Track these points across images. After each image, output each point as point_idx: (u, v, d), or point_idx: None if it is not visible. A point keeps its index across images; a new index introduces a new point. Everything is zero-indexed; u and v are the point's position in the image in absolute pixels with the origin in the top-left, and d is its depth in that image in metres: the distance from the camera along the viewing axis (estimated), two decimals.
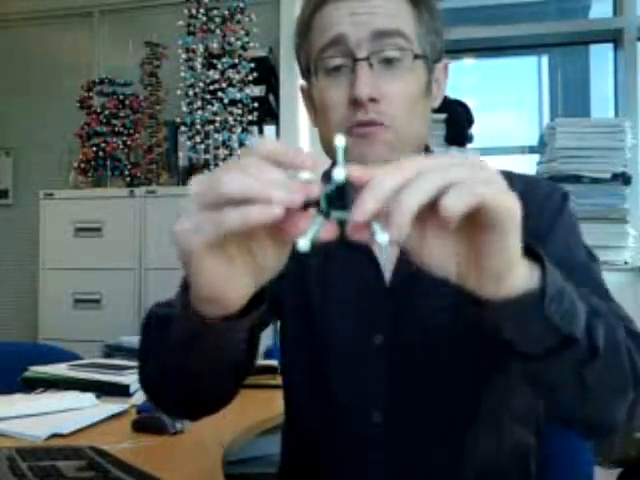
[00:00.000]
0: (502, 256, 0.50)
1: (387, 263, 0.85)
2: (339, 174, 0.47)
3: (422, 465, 0.83)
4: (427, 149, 0.90)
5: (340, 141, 0.49)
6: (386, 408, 0.83)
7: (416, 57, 0.81)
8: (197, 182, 0.50)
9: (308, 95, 0.88)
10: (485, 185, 0.47)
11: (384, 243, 0.47)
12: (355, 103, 0.78)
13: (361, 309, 0.85)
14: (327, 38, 0.80)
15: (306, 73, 0.86)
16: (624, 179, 2.44)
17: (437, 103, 0.88)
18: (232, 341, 0.64)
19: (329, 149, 0.83)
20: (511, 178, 0.82)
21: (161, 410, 0.87)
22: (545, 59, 3.17)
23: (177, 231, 0.49)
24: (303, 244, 0.47)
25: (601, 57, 3.01)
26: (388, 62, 0.80)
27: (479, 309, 0.56)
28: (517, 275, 0.53)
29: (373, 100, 0.78)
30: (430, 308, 0.82)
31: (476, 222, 0.49)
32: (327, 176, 0.48)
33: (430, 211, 0.47)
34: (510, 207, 0.48)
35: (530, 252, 0.56)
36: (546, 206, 0.83)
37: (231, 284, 0.54)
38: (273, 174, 0.47)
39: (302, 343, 0.90)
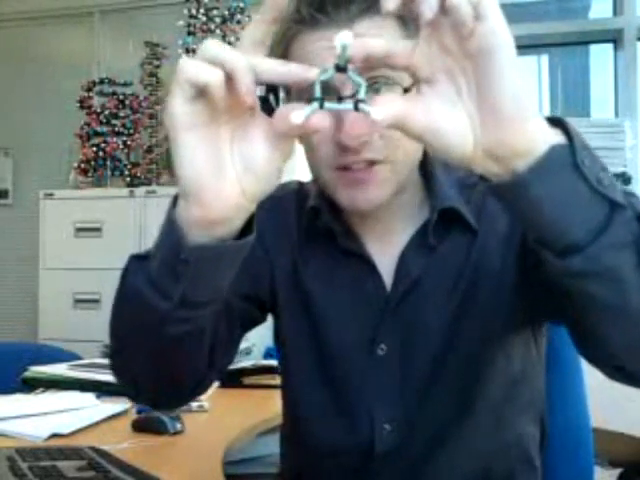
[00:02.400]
0: (509, 81, 0.50)
1: (388, 272, 0.84)
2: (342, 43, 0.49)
3: (426, 469, 0.83)
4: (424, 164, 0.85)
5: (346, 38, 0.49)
6: (392, 416, 0.83)
7: (405, 90, 0.69)
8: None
9: None
10: None
11: (379, 117, 0.49)
12: (344, 148, 0.71)
13: (364, 318, 0.84)
14: None
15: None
16: (624, 179, 2.44)
17: None
18: (213, 271, 0.60)
19: (320, 184, 0.80)
20: None
21: (123, 383, 0.77)
22: (545, 59, 3.17)
23: (167, 110, 0.54)
24: (296, 115, 0.49)
25: (601, 57, 3.01)
26: (376, 92, 0.70)
27: (514, 198, 0.54)
28: (537, 125, 0.52)
29: (365, 142, 0.71)
30: (432, 314, 0.82)
31: (475, 48, 0.50)
32: None
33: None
34: (504, 25, 0.51)
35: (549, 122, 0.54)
36: None
37: (217, 178, 0.54)
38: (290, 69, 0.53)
39: (304, 352, 0.88)
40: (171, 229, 0.59)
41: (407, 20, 0.73)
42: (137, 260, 0.68)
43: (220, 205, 0.55)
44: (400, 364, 0.82)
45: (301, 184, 0.94)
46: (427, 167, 0.84)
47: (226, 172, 0.55)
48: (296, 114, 0.49)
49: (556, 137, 0.53)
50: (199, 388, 0.78)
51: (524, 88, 0.51)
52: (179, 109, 0.53)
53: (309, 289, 0.87)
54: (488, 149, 0.52)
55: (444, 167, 0.85)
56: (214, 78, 0.51)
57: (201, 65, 0.52)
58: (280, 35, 0.75)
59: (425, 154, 0.83)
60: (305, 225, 0.87)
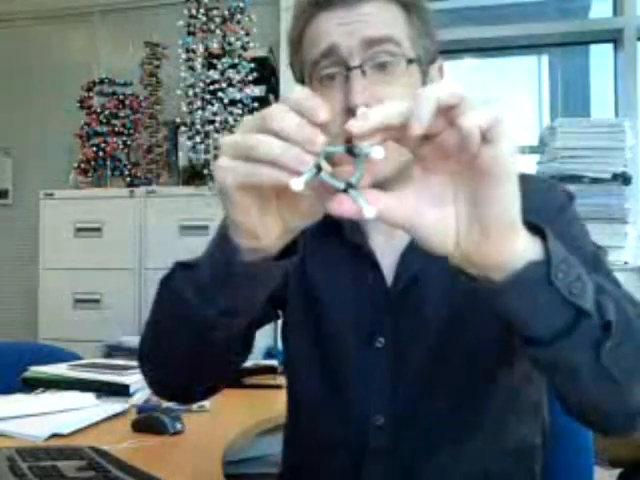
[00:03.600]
0: (503, 207, 0.50)
1: (389, 267, 0.85)
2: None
3: (424, 467, 0.83)
4: None
5: (378, 152, 0.50)
6: (388, 411, 0.83)
7: (409, 62, 0.81)
8: (243, 127, 0.55)
9: None
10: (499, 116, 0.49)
11: (371, 215, 0.49)
12: (351, 112, 0.76)
13: (363, 312, 0.85)
14: (319, 50, 0.80)
15: (301, 84, 0.86)
16: (624, 179, 2.44)
17: None
18: (258, 285, 0.65)
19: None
20: None
21: (152, 381, 0.84)
22: (545, 59, 3.17)
23: (217, 166, 0.55)
24: (295, 183, 0.50)
25: (601, 57, 3.01)
26: (381, 68, 0.79)
27: (487, 295, 0.56)
28: (519, 242, 0.53)
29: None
30: (431, 310, 0.82)
31: (477, 169, 0.49)
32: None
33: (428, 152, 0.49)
34: (514, 153, 0.49)
35: (531, 228, 0.56)
36: (548, 202, 0.82)
37: (264, 221, 0.58)
38: (296, 132, 0.50)
39: (306, 343, 0.90)
40: (224, 246, 0.62)
41: (408, 5, 0.82)
42: (183, 268, 0.73)
43: (266, 237, 0.59)
44: (397, 358, 0.84)
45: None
46: None
47: (271, 212, 0.58)
48: (295, 182, 0.50)
49: (534, 251, 0.55)
50: (220, 386, 0.84)
51: (517, 213, 0.52)
52: (232, 179, 0.54)
53: (313, 281, 0.89)
54: (467, 255, 0.53)
55: None
56: (268, 181, 0.52)
57: (257, 167, 0.52)
58: (297, 18, 0.84)
59: None
60: None
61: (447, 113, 0.48)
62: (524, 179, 0.83)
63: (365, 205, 0.50)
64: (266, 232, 0.58)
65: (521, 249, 0.54)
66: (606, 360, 0.59)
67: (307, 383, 0.91)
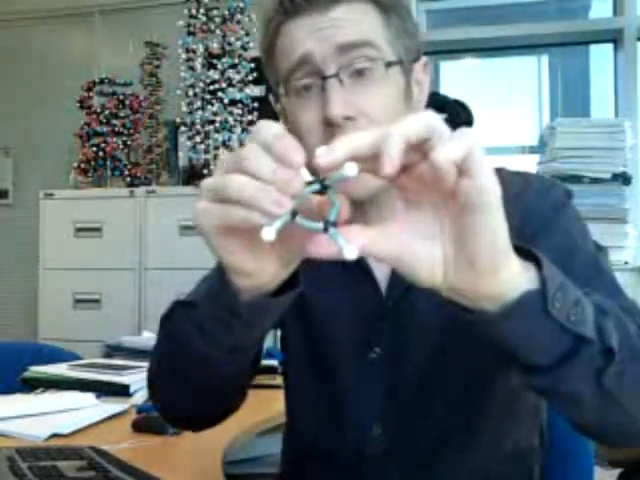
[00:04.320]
0: (489, 238, 0.48)
1: (383, 277, 0.84)
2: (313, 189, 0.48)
3: (422, 474, 0.83)
4: None
5: (351, 170, 0.47)
6: (385, 420, 0.83)
7: (389, 65, 0.75)
8: (220, 167, 0.52)
9: (283, 115, 0.83)
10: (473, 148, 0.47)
11: (352, 256, 0.47)
12: (330, 124, 0.73)
13: (358, 323, 0.84)
14: (293, 59, 0.75)
15: (276, 95, 0.82)
16: (624, 179, 2.44)
17: (422, 105, 0.83)
18: (264, 321, 0.63)
19: (308, 168, 0.81)
20: (505, 176, 0.82)
21: (165, 414, 0.84)
22: (545, 59, 3.17)
23: (196, 210, 0.53)
24: (266, 233, 0.48)
25: (601, 57, 3.01)
26: (359, 75, 0.74)
27: (480, 326, 0.54)
28: (511, 271, 0.51)
29: (349, 118, 0.73)
30: (426, 319, 0.81)
31: (458, 201, 0.48)
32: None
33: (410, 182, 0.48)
34: (493, 183, 0.47)
35: (523, 253, 0.54)
36: (544, 201, 0.80)
37: (258, 262, 0.55)
38: (271, 175, 0.48)
39: (302, 352, 0.90)
40: (223, 287, 0.59)
41: (384, 4, 0.76)
42: (183, 307, 0.70)
43: (262, 275, 0.57)
44: (393, 368, 0.83)
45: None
46: None
47: (262, 250, 0.55)
48: (267, 231, 0.47)
49: (528, 280, 0.52)
50: (235, 408, 0.82)
51: (504, 241, 0.50)
52: (207, 222, 0.52)
53: (307, 291, 0.87)
54: (456, 289, 0.52)
55: None
56: (240, 222, 0.50)
57: (230, 209, 0.50)
58: (266, 27, 0.79)
59: None
60: None
61: (420, 147, 0.46)
62: (522, 177, 0.83)
63: (345, 245, 0.47)
64: (260, 270, 0.56)
65: (514, 279, 0.51)
66: (610, 385, 0.57)
67: (303, 391, 0.90)
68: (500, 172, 0.83)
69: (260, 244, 0.52)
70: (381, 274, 0.84)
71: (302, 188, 0.48)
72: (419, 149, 0.47)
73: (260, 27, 0.80)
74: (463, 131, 0.48)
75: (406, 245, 0.50)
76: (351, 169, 0.46)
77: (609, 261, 0.79)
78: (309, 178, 0.49)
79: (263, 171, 0.48)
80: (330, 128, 0.73)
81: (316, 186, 0.49)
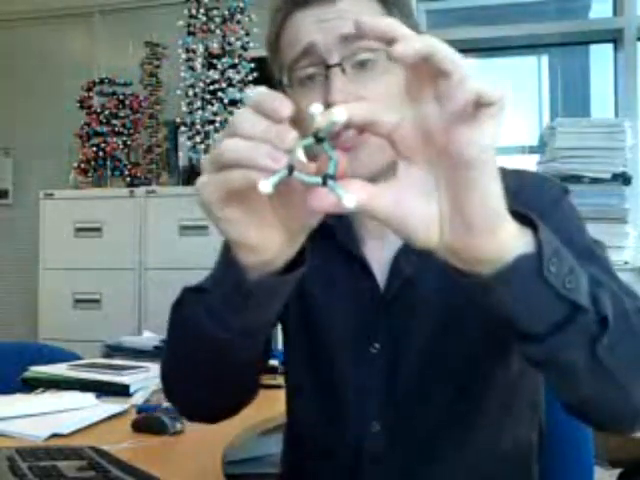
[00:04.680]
0: (483, 196, 0.48)
1: (381, 272, 0.85)
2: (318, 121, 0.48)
3: (421, 471, 0.83)
4: None
5: (316, 108, 0.49)
6: (384, 416, 0.83)
7: (390, 57, 0.78)
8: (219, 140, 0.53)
9: None
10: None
11: (351, 204, 0.47)
12: None
13: (357, 318, 0.85)
14: (298, 49, 0.78)
15: (280, 85, 0.83)
16: (624, 179, 2.44)
17: None
18: (272, 300, 0.63)
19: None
20: (504, 174, 0.82)
21: (179, 405, 0.85)
22: (545, 59, 3.17)
23: (198, 184, 0.54)
24: (263, 185, 0.48)
25: (601, 57, 3.01)
26: (362, 65, 0.76)
27: (476, 292, 0.54)
28: (506, 233, 0.51)
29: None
30: (425, 314, 0.82)
31: (451, 156, 0.47)
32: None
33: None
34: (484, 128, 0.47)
35: (520, 218, 0.53)
36: (541, 197, 0.81)
37: (261, 233, 0.56)
38: (263, 133, 0.49)
39: (302, 349, 0.90)
40: (230, 267, 0.60)
41: (388, 0, 0.79)
42: (192, 293, 0.72)
43: (268, 250, 0.58)
44: (392, 363, 0.83)
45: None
46: None
47: (266, 223, 0.56)
48: (263, 184, 0.48)
49: (524, 243, 0.52)
50: (249, 399, 0.83)
51: (499, 201, 0.50)
52: (208, 193, 0.54)
53: (307, 285, 0.88)
54: (452, 250, 0.51)
55: None
56: (239, 184, 0.51)
57: (228, 173, 0.51)
58: (272, 18, 0.82)
59: None
60: None
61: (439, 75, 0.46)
62: (518, 175, 0.83)
63: (344, 195, 0.47)
64: (266, 245, 0.57)
65: (509, 241, 0.51)
66: (603, 357, 0.57)
67: (302, 387, 0.91)
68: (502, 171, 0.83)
69: (263, 211, 0.55)
70: (380, 269, 0.84)
71: (295, 142, 0.49)
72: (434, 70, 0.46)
73: (268, 18, 0.84)
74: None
75: (403, 202, 0.50)
76: (340, 113, 0.47)
77: (607, 254, 0.79)
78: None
79: (255, 130, 0.49)
80: None
81: (310, 139, 0.49)
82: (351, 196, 0.47)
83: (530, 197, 0.79)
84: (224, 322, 0.64)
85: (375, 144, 0.74)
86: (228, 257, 0.60)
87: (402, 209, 0.50)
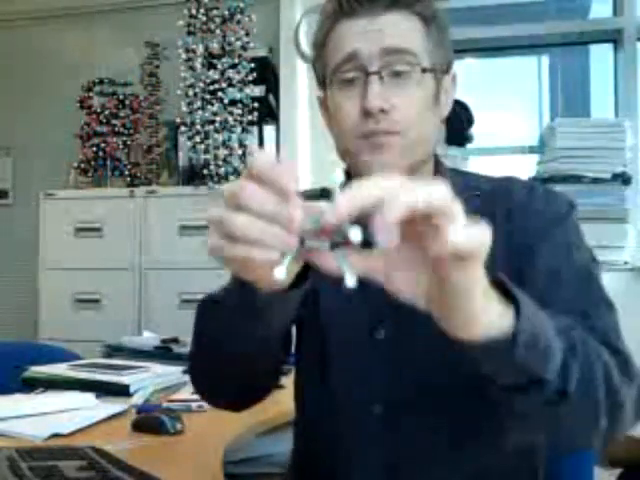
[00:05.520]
0: (464, 299, 0.52)
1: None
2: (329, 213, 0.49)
3: (424, 455, 0.84)
4: (435, 157, 0.94)
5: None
6: (386, 401, 0.86)
7: (424, 71, 0.85)
8: (216, 207, 0.56)
9: (324, 104, 0.93)
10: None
11: (352, 284, 0.51)
12: (366, 114, 0.83)
13: (363, 304, 0.87)
14: (342, 54, 0.85)
15: (322, 84, 0.92)
16: (624, 179, 2.44)
17: (446, 112, 0.92)
18: (281, 313, 0.70)
19: (342, 153, 0.90)
20: (514, 185, 0.88)
21: (205, 399, 0.95)
22: (545, 59, 3.17)
23: (209, 245, 0.56)
24: (278, 272, 0.51)
25: (601, 57, 3.01)
26: (398, 75, 0.84)
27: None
28: (488, 317, 0.55)
29: (383, 111, 0.83)
30: None
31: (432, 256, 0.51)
32: (311, 196, 0.52)
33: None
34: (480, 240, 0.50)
35: (503, 290, 0.58)
36: (546, 212, 0.86)
37: (267, 274, 0.58)
38: (273, 214, 0.51)
39: (308, 335, 0.94)
40: (242, 287, 0.65)
41: (427, 18, 0.86)
42: (210, 306, 0.80)
43: (270, 278, 0.60)
44: (397, 349, 0.86)
45: (324, 191, 0.98)
46: (440, 171, 0.93)
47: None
48: (278, 271, 0.51)
49: (500, 329, 0.56)
50: (272, 387, 0.92)
51: (478, 299, 0.53)
52: (223, 257, 0.56)
53: (312, 275, 0.89)
54: (436, 317, 0.56)
55: (456, 172, 0.95)
56: (256, 262, 0.53)
57: (239, 250, 0.53)
58: (322, 23, 0.90)
59: (436, 163, 0.94)
60: None
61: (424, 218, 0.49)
62: (529, 188, 0.89)
63: (349, 273, 0.51)
64: (267, 275, 0.59)
65: (490, 324, 0.55)
66: (560, 415, 0.64)
67: (308, 370, 0.95)
68: (510, 181, 0.89)
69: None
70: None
71: (305, 222, 0.50)
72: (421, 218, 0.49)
73: (318, 22, 0.91)
74: (480, 227, 0.50)
75: (394, 274, 0.55)
76: (355, 235, 0.49)
77: (601, 275, 0.84)
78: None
79: (264, 209, 0.51)
80: (366, 118, 0.83)
81: (325, 245, 0.51)
82: (353, 279, 0.51)
83: (536, 211, 0.86)
84: (240, 336, 0.72)
85: (398, 147, 0.84)
86: (235, 278, 0.66)
87: (392, 279, 0.55)
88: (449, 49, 0.91)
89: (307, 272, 0.64)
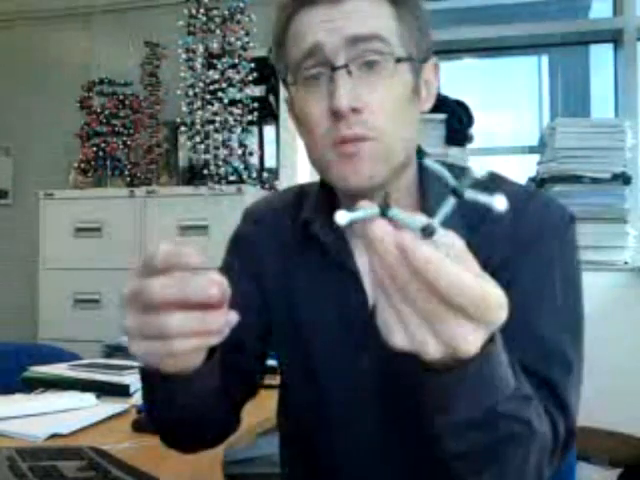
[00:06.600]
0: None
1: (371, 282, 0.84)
2: None
3: (418, 472, 0.83)
4: (420, 152, 0.84)
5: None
6: (375, 431, 0.83)
7: (398, 61, 0.75)
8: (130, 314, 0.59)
9: (292, 106, 0.83)
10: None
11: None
12: (336, 115, 0.73)
13: (347, 332, 0.83)
14: (303, 48, 0.76)
15: (285, 84, 0.82)
16: (624, 179, 2.44)
17: (428, 106, 0.83)
18: (194, 385, 0.68)
19: (315, 163, 0.81)
20: (513, 189, 0.80)
21: (165, 441, 0.90)
22: (545, 59, 3.17)
23: (133, 352, 0.60)
24: (340, 217, 0.47)
25: (601, 57, 3.01)
26: (369, 68, 0.74)
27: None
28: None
29: (355, 110, 0.73)
30: None
31: None
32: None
33: None
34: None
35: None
36: (539, 223, 0.80)
37: (179, 362, 0.63)
38: (199, 326, 0.57)
39: (292, 359, 0.90)
40: (153, 372, 0.66)
41: (400, 1, 0.77)
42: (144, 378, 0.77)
43: (190, 369, 0.65)
44: (382, 378, 0.82)
45: (302, 189, 0.94)
46: (422, 185, 0.84)
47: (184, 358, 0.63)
48: (341, 216, 0.47)
49: (458, 379, 0.55)
50: (232, 429, 0.92)
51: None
52: (151, 360, 0.62)
53: (297, 299, 0.87)
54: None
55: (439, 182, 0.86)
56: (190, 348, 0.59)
57: (173, 343, 0.57)
58: (279, 16, 0.79)
59: (421, 170, 0.84)
60: (298, 237, 0.88)
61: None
62: (529, 195, 0.82)
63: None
64: (185, 368, 0.64)
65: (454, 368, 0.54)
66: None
67: (294, 395, 0.92)
68: (512, 186, 0.83)
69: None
70: (371, 284, 0.84)
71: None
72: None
73: (273, 15, 0.81)
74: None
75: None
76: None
77: (582, 290, 0.79)
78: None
79: (188, 329, 0.56)
80: (336, 120, 0.74)
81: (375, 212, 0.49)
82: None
83: (529, 220, 0.78)
84: (171, 404, 0.73)
85: (373, 154, 0.75)
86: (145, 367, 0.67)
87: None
88: (427, 35, 0.80)
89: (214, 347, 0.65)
